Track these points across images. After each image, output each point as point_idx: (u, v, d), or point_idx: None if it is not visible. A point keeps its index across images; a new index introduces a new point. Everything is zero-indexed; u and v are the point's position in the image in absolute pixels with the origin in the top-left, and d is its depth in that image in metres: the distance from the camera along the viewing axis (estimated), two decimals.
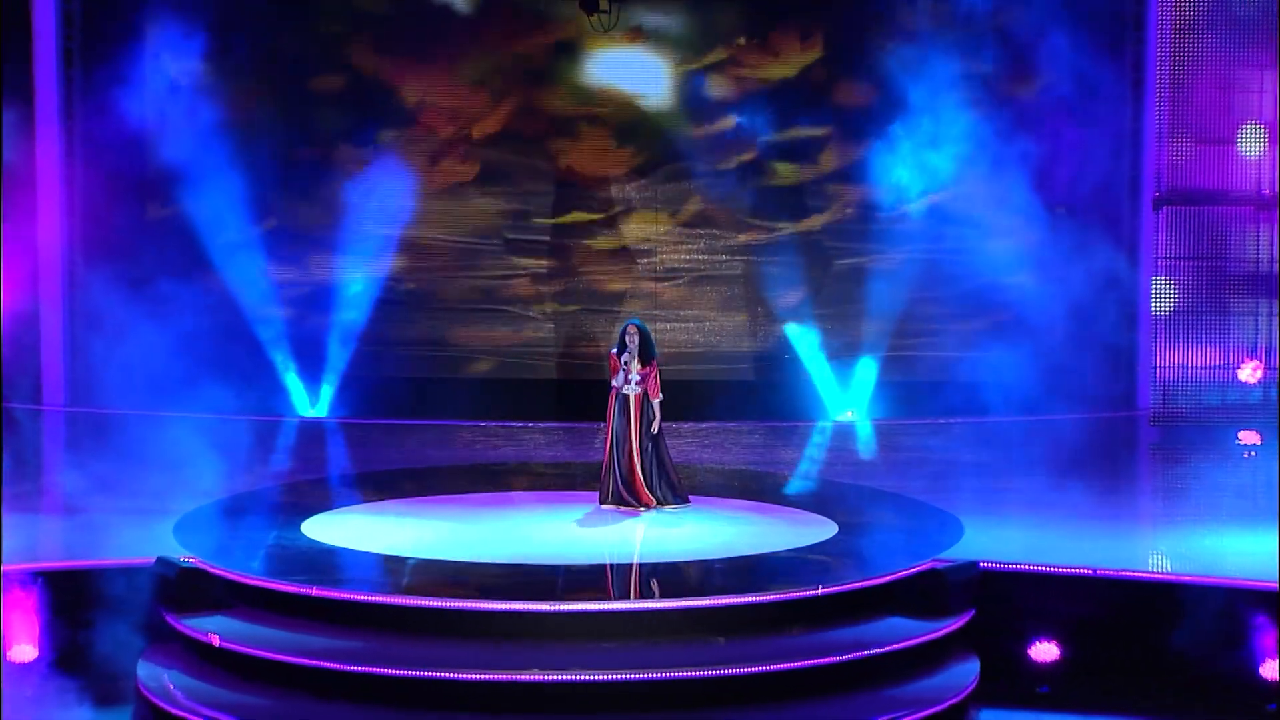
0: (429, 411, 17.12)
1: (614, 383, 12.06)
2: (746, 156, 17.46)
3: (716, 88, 17.45)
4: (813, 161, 17.47)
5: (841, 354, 17.43)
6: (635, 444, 11.95)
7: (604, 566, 10.55)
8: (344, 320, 17.44)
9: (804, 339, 17.51)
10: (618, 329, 12.36)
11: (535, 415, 17.01)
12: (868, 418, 17.23)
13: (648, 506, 11.94)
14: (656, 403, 12.03)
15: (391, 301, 17.60)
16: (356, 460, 15.24)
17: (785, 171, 17.50)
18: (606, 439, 12.07)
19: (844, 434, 16.62)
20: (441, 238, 17.67)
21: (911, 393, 17.17)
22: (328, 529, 11.32)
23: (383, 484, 13.45)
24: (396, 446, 15.81)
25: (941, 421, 16.71)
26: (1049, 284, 16.71)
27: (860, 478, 13.89)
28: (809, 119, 17.41)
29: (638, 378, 12.00)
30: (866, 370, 17.39)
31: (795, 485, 13.77)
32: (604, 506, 12.05)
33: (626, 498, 11.98)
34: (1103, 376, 17.32)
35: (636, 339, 12.00)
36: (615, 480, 11.99)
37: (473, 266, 17.69)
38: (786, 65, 17.43)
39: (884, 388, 17.32)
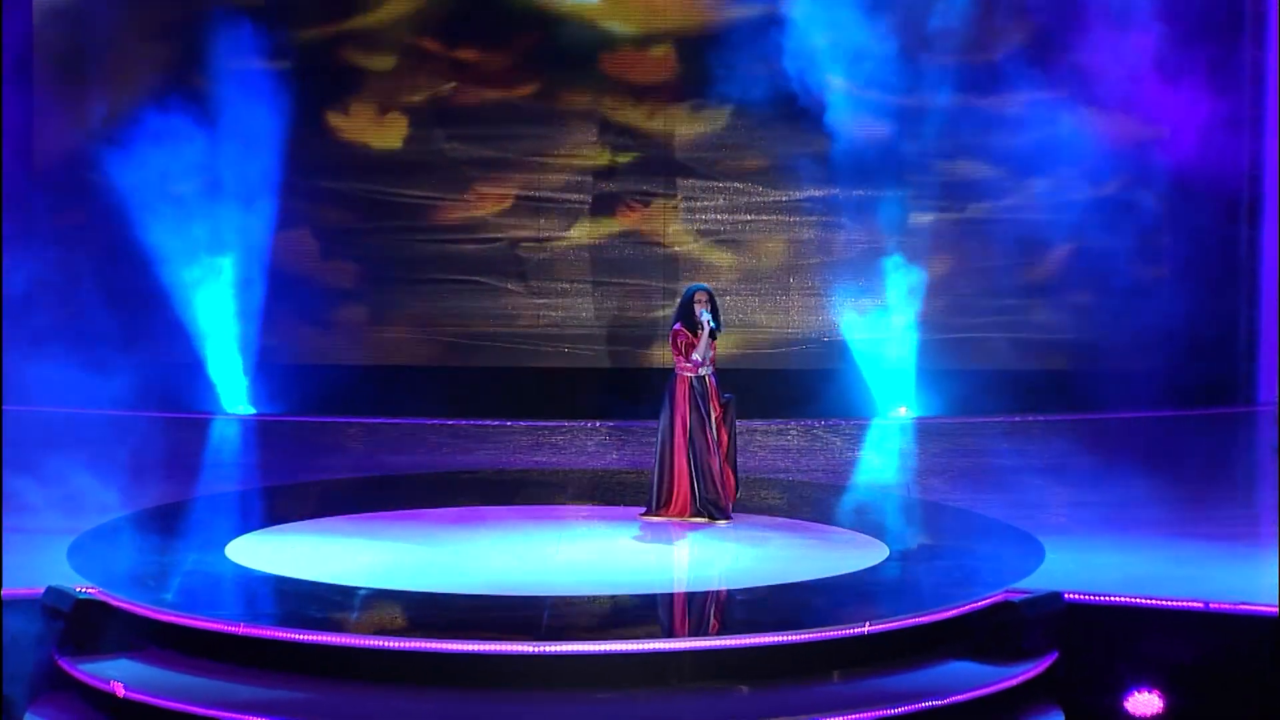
0: (385, 408, 17.10)
1: (687, 364, 11.98)
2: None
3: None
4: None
5: (895, 338, 17.42)
6: (723, 441, 11.98)
7: (599, 599, 10.52)
8: (280, 295, 17.39)
9: (851, 320, 17.49)
10: (679, 298, 12.30)
11: (516, 412, 16.99)
12: (924, 414, 17.20)
13: (724, 513, 12.09)
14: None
15: (340, 271, 17.58)
16: (293, 467, 15.23)
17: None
18: (679, 438, 11.97)
19: (896, 435, 16.59)
20: (405, 192, 17.66)
21: (978, 385, 17.14)
22: (258, 552, 11.31)
23: (326, 497, 13.42)
24: (343, 450, 15.79)
25: (1016, 420, 16.68)
26: (1148, 254, 16.70)
27: (917, 489, 13.85)
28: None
29: (710, 354, 12.00)
30: (922, 357, 17.37)
31: (837, 498, 13.75)
32: (658, 518, 12.05)
33: (706, 509, 12.01)
34: (1213, 365, 17.32)
35: (709, 308, 11.99)
36: (700, 489, 11.98)
37: (440, 228, 17.67)
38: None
39: (944, 378, 17.29)
